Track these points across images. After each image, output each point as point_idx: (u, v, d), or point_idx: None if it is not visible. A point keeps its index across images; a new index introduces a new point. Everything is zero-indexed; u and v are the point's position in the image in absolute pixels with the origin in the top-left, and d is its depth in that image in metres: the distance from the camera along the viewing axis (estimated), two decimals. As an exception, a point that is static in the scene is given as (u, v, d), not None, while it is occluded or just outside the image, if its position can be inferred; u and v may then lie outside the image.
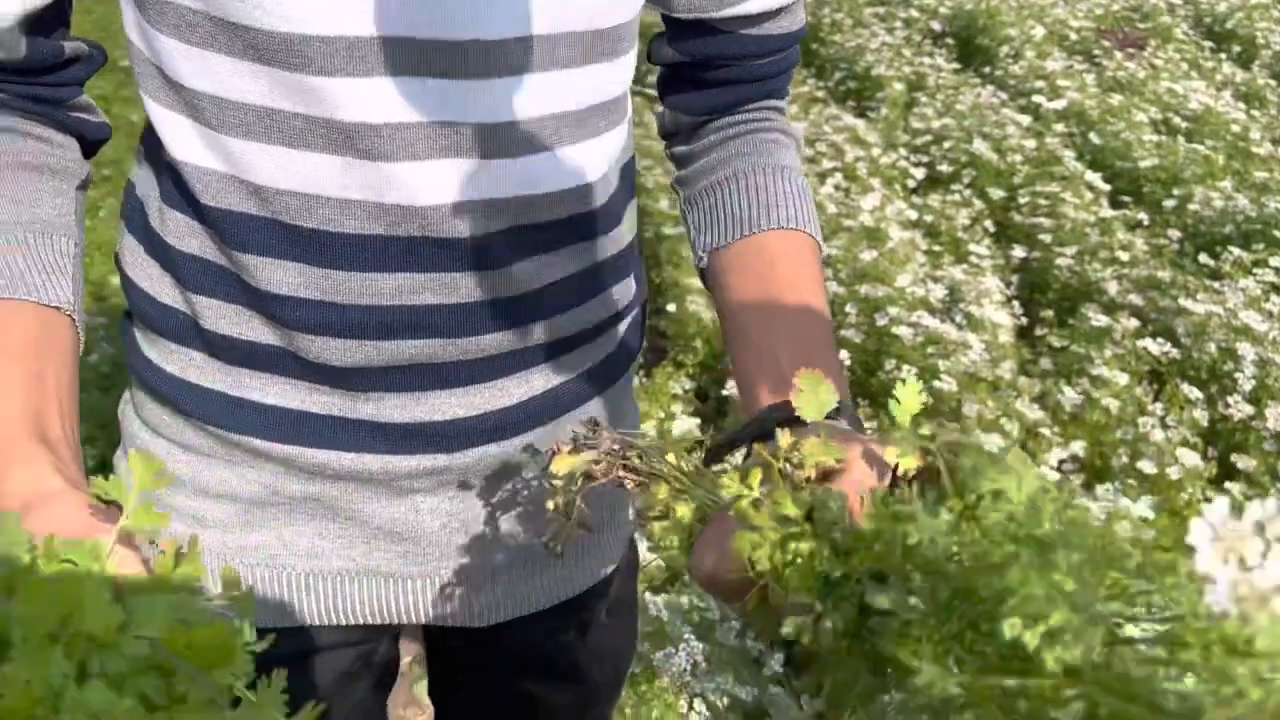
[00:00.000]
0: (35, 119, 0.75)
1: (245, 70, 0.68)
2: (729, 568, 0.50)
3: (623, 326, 0.89)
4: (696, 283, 3.12)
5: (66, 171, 0.77)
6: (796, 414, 0.57)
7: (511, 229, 0.75)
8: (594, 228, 0.81)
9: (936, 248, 3.65)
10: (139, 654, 0.38)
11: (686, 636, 1.65)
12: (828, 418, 0.58)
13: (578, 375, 0.85)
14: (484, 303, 0.76)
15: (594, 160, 0.78)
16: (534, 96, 0.72)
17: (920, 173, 4.25)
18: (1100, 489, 2.53)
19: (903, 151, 4.44)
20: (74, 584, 0.40)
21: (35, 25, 0.72)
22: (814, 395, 0.56)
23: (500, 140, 0.72)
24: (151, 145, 0.77)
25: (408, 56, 0.67)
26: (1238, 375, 2.80)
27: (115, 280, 2.33)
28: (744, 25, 0.83)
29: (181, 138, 0.72)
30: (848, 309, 3.04)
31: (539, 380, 0.82)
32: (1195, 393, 2.79)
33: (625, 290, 0.86)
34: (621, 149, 0.82)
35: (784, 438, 0.54)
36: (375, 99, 0.68)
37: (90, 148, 0.81)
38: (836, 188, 3.89)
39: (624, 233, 0.85)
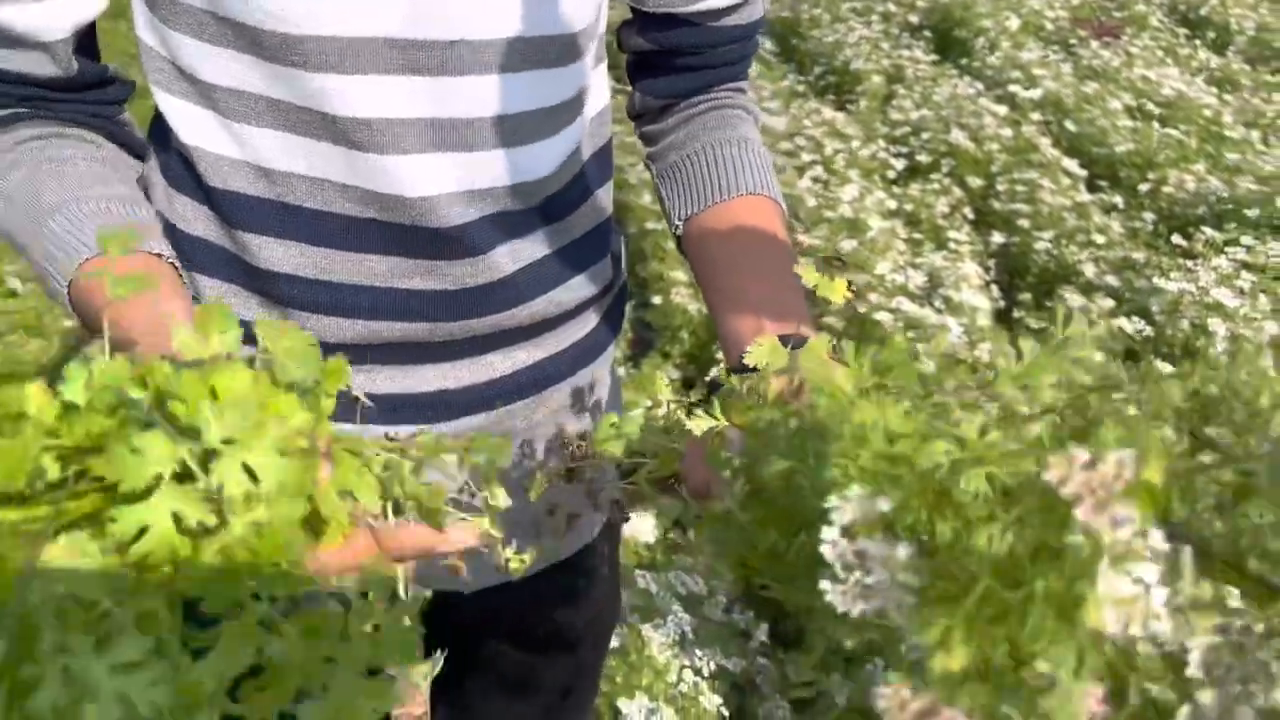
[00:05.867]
0: (87, 128, 0.79)
1: (250, 64, 0.73)
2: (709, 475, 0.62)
3: (604, 303, 0.94)
4: (681, 275, 3.17)
5: (125, 164, 0.81)
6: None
7: (490, 216, 0.80)
8: (567, 210, 0.86)
9: (917, 236, 3.71)
10: None
11: (675, 609, 1.71)
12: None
13: (562, 351, 0.90)
14: (468, 289, 0.81)
15: (565, 149, 0.83)
16: (514, 94, 0.77)
17: (900, 163, 4.31)
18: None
19: (882, 143, 4.51)
20: None
21: (80, 45, 0.76)
22: (767, 355, 0.63)
23: (482, 135, 0.77)
24: (160, 134, 0.82)
25: (399, 56, 0.72)
26: (1210, 350, 2.87)
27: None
28: (709, 18, 0.89)
29: (195, 125, 0.77)
30: (829, 297, 3.10)
31: (523, 355, 0.87)
32: (1168, 369, 2.86)
33: (604, 268, 0.91)
34: (590, 135, 0.88)
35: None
36: (367, 95, 0.73)
37: (135, 160, 0.85)
38: (815, 180, 3.94)
39: (599, 212, 0.90)
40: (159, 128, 0.82)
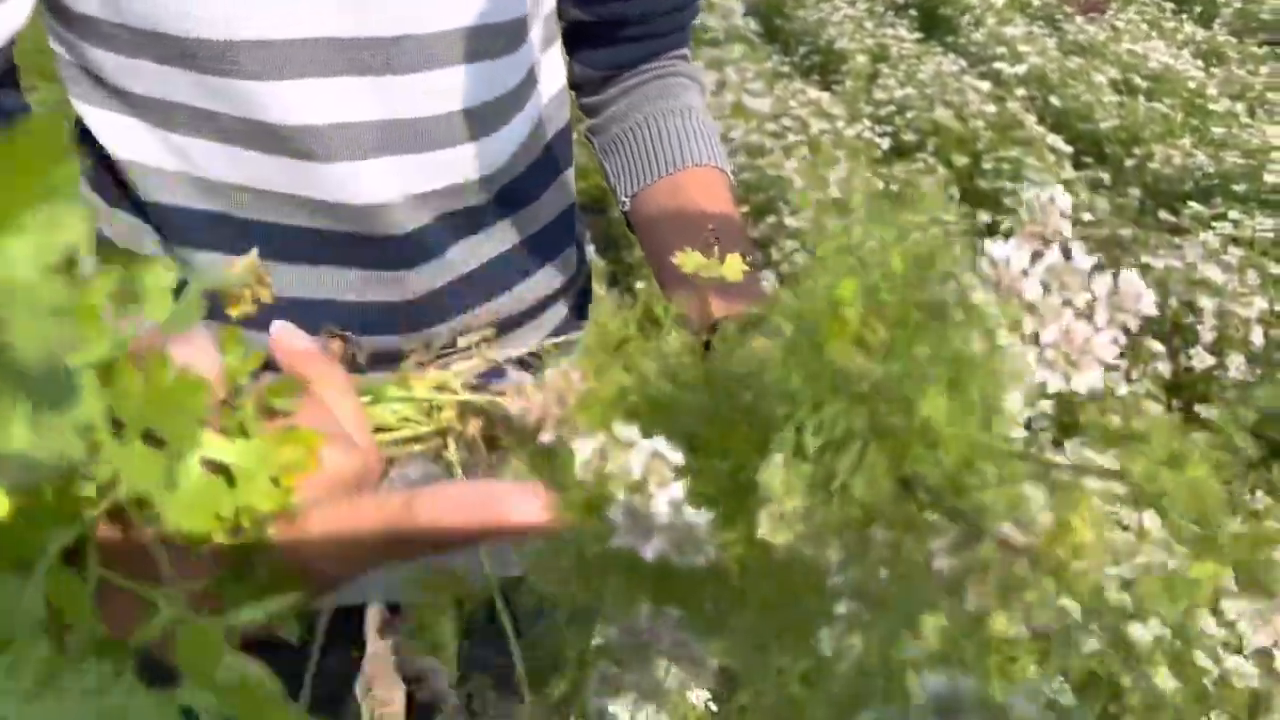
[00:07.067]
0: None
1: (177, 74, 0.68)
2: None
3: (569, 296, 0.92)
4: (666, 260, 3.16)
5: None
6: None
7: (446, 215, 0.77)
8: (530, 198, 0.84)
9: (903, 216, 3.68)
10: None
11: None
12: None
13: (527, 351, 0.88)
14: (429, 293, 0.78)
15: (521, 136, 0.81)
16: (464, 88, 0.74)
17: (885, 143, 4.28)
18: (1068, 443, 2.58)
19: (867, 123, 4.47)
20: None
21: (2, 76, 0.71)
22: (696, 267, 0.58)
23: (434, 134, 0.74)
24: (88, 150, 0.77)
25: (341, 56, 0.69)
26: (1199, 327, 2.85)
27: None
28: None
29: (123, 136, 0.72)
30: (815, 279, 3.08)
31: (489, 354, 0.85)
32: (1158, 346, 2.84)
33: (570, 255, 0.89)
34: (549, 119, 0.85)
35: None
36: (309, 101, 0.69)
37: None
38: (802, 160, 3.91)
39: (566, 196, 0.88)
40: (80, 139, 0.77)
